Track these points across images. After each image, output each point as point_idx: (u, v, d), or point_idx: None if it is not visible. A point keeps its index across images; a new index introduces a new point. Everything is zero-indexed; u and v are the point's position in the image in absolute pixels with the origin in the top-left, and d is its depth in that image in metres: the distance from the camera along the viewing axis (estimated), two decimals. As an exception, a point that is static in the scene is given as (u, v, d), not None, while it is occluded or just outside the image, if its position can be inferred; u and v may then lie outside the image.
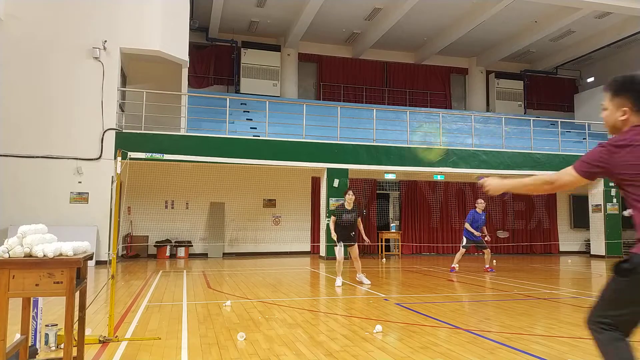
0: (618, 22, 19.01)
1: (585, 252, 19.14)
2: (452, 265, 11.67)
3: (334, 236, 8.95)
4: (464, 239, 11.61)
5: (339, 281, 8.91)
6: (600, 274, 11.80)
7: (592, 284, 9.90)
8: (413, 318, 5.89)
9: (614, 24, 19.24)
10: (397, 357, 4.14)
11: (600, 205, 17.31)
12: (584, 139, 19.00)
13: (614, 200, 17.21)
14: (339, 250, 8.96)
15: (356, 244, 9.12)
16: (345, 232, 8.98)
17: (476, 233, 11.35)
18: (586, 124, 19.40)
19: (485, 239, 11.60)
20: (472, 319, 5.76)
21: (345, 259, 9.30)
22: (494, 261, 15.06)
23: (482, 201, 11.72)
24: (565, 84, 24.66)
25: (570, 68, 24.10)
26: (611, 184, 17.23)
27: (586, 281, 10.29)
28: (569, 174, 2.49)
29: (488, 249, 11.79)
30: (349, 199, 8.88)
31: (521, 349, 4.36)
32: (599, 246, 17.31)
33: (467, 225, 11.48)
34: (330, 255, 14.62)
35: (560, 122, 18.56)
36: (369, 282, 9.03)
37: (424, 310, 6.38)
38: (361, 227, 9.19)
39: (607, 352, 2.46)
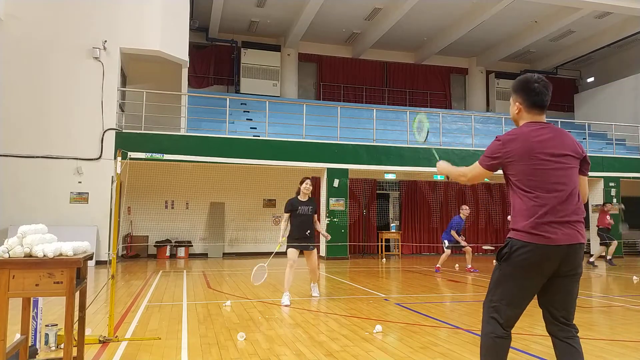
0: (618, 22, 19.01)
1: (585, 252, 19.10)
2: (437, 266, 11.78)
3: (281, 237, 7.18)
4: (445, 242, 11.74)
5: (285, 299, 6.80)
6: (600, 274, 11.80)
7: (592, 284, 9.90)
8: (413, 318, 5.89)
9: (614, 24, 19.24)
10: (397, 357, 4.14)
11: (600, 205, 17.28)
12: (584, 139, 18.98)
13: (614, 200, 17.20)
14: (291, 251, 7.17)
15: (314, 250, 7.37)
16: (300, 230, 7.20)
17: (462, 242, 11.64)
18: (586, 124, 19.39)
19: (463, 242, 11.76)
20: (472, 319, 5.76)
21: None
22: (494, 261, 15.07)
23: (467, 207, 12.00)
24: (565, 84, 24.67)
25: (570, 68, 24.11)
26: (611, 184, 17.24)
27: (586, 281, 10.29)
28: (476, 167, 2.91)
29: (469, 249, 11.89)
30: (305, 189, 7.25)
31: (521, 349, 4.36)
32: (599, 246, 17.27)
33: (453, 233, 11.61)
34: (330, 255, 14.64)
35: (560, 122, 18.55)
36: (318, 295, 7.62)
37: (424, 310, 6.38)
38: (318, 225, 7.48)
39: (485, 343, 2.76)
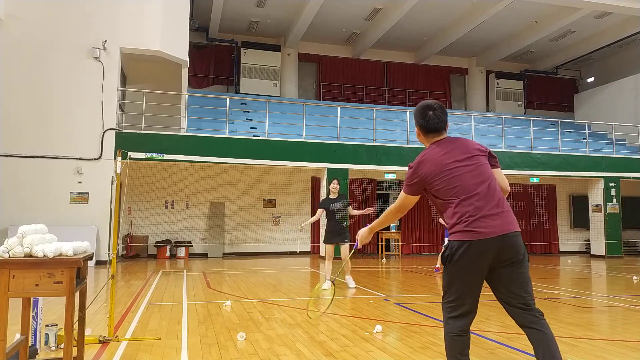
0: (618, 22, 19.01)
1: (585, 252, 19.13)
2: (437, 266, 11.77)
3: (301, 227, 8.90)
4: (445, 240, 11.68)
5: (327, 284, 7.70)
6: (600, 274, 11.80)
7: (592, 284, 9.90)
8: (413, 318, 5.89)
9: (614, 24, 19.24)
10: (397, 357, 4.14)
11: (600, 205, 17.30)
12: (584, 139, 18.99)
13: (614, 200, 17.21)
14: (327, 247, 8.58)
15: (347, 243, 8.52)
16: (335, 223, 8.46)
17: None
18: (586, 124, 19.40)
19: None
20: (472, 319, 5.76)
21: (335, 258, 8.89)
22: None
23: None
24: (565, 84, 24.67)
25: (570, 68, 24.11)
26: (611, 184, 17.24)
27: (586, 281, 10.29)
28: (401, 196, 3.16)
29: None
30: (333, 187, 8.57)
31: (521, 349, 4.36)
32: (599, 246, 17.30)
33: (441, 220, 11.56)
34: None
35: (560, 122, 18.54)
36: (355, 285, 8.53)
37: (424, 310, 6.38)
38: (355, 212, 8.58)
39: (447, 340, 2.96)
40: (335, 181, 8.67)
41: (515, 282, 2.86)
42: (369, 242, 9.54)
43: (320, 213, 8.62)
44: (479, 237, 2.79)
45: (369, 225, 3.42)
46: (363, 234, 3.46)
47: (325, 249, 8.46)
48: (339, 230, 8.49)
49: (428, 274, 11.18)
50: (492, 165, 3.07)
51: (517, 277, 2.86)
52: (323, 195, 15.25)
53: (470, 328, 3.00)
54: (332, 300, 4.37)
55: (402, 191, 3.15)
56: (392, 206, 3.23)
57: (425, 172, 3.01)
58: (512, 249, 2.83)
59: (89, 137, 13.19)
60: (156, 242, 15.64)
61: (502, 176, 3.10)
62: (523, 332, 2.93)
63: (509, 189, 3.12)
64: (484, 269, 2.86)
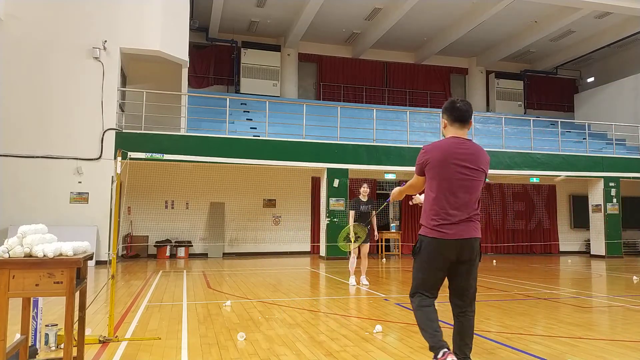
0: (618, 22, 19.01)
1: (585, 252, 19.13)
2: None
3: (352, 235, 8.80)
4: None
5: (352, 280, 8.99)
6: (600, 274, 11.80)
7: (592, 284, 9.90)
8: (413, 318, 5.86)
9: (614, 24, 19.25)
10: (397, 357, 4.14)
11: (600, 205, 17.31)
12: (584, 139, 18.99)
13: (614, 200, 17.21)
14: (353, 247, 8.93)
15: (368, 243, 8.99)
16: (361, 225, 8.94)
17: None
18: (586, 124, 19.40)
19: None
20: (472, 319, 5.76)
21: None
22: (494, 261, 15.06)
23: None
24: (565, 84, 24.67)
25: (570, 68, 24.11)
26: (611, 184, 17.24)
27: (586, 281, 10.29)
28: (414, 177, 3.65)
29: None
30: (364, 191, 9.09)
31: (521, 349, 4.36)
32: (599, 246, 17.31)
33: None
34: (331, 255, 14.65)
35: (560, 122, 18.55)
36: (367, 284, 9.02)
37: (424, 310, 6.37)
38: (374, 220, 9.12)
39: (417, 314, 3.44)
40: (365, 185, 9.21)
41: (463, 278, 3.41)
42: (370, 242, 9.55)
43: (353, 215, 8.95)
44: (445, 237, 3.32)
45: (399, 187, 3.98)
46: (395, 192, 4.04)
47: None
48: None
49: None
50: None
51: (466, 274, 3.41)
52: (323, 196, 15.27)
53: (442, 318, 3.13)
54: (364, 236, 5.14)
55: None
56: (409, 182, 3.73)
57: (431, 157, 3.43)
58: (469, 251, 3.36)
59: (89, 137, 13.19)
60: (156, 242, 15.64)
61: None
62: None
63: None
64: (447, 263, 3.37)
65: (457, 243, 3.31)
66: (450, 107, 3.51)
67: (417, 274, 3.48)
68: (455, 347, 3.41)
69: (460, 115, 3.47)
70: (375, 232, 9.30)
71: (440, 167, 3.37)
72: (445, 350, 3.16)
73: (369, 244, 9.04)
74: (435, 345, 3.22)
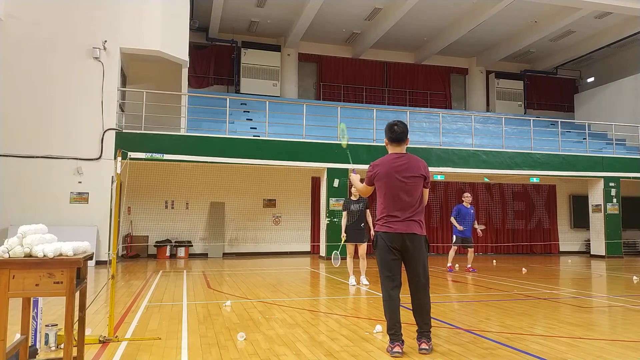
0: (618, 22, 19.01)
1: (585, 252, 19.13)
2: (448, 265, 11.74)
3: (343, 236, 8.82)
4: (454, 237, 11.69)
5: (352, 280, 8.97)
6: (600, 274, 11.80)
7: (592, 284, 9.90)
8: (413, 318, 5.87)
9: (614, 24, 19.25)
10: (397, 357, 4.13)
11: (600, 205, 17.30)
12: (584, 139, 18.99)
13: (614, 200, 17.20)
14: (348, 245, 9.00)
15: (365, 243, 8.90)
16: (353, 224, 8.82)
17: (459, 227, 11.40)
18: (586, 124, 19.39)
19: (479, 229, 11.63)
20: (472, 319, 5.76)
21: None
22: (494, 261, 15.07)
23: (469, 195, 11.84)
24: (565, 84, 24.67)
25: (570, 68, 24.11)
26: (611, 184, 17.24)
27: (586, 281, 10.29)
28: (363, 184, 4.65)
29: (472, 249, 11.85)
30: (354, 191, 8.92)
31: (521, 349, 4.36)
32: (599, 246, 17.31)
33: (452, 220, 11.56)
34: (331, 255, 14.61)
35: (560, 122, 18.55)
36: (368, 283, 8.99)
37: (424, 310, 6.36)
38: (370, 219, 8.92)
39: (384, 305, 4.27)
40: None
41: (412, 263, 4.27)
42: (367, 242, 9.56)
43: (345, 215, 8.92)
44: (391, 231, 4.23)
45: (354, 176, 5.12)
46: (354, 178, 5.09)
47: (346, 247, 9.06)
48: (358, 231, 8.84)
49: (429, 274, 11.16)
50: (424, 186, 4.37)
51: (413, 261, 4.26)
52: (323, 196, 15.27)
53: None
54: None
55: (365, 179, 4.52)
56: (360, 186, 4.77)
57: (378, 172, 4.39)
58: (412, 243, 4.22)
59: (89, 137, 13.19)
60: (156, 242, 15.64)
61: (426, 194, 4.43)
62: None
63: (426, 202, 4.47)
64: (398, 252, 4.25)
65: (399, 236, 4.21)
66: (389, 130, 4.42)
67: (378, 260, 4.34)
68: (417, 322, 4.31)
69: (396, 137, 4.40)
70: (372, 232, 9.24)
71: (386, 178, 4.31)
72: (397, 343, 4.13)
73: (365, 243, 8.90)
74: (390, 333, 4.22)
